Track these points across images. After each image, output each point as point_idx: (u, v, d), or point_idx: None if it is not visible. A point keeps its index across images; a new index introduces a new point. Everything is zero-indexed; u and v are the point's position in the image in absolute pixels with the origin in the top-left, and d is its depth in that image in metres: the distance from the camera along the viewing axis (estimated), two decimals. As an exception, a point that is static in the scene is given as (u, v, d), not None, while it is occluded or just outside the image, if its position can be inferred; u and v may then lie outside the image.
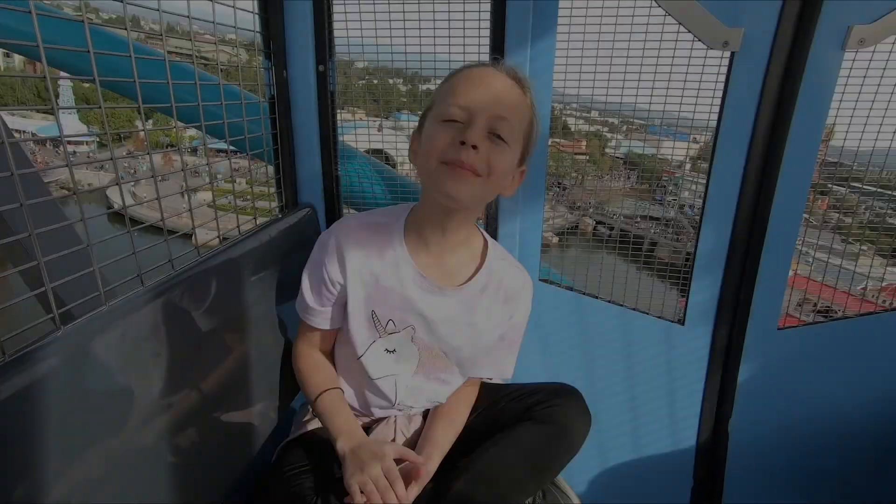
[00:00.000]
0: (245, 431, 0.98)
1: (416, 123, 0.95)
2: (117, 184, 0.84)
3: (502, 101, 0.84)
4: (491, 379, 1.10)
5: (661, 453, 1.53)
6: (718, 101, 1.24)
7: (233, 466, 0.94)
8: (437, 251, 0.95)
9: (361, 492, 0.81)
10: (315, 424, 1.05)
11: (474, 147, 0.81)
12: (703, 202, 1.30)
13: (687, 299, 1.39)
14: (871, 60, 1.16)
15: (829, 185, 1.36)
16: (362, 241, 0.94)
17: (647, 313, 1.41)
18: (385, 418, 1.06)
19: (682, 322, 1.41)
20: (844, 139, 1.26)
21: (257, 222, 1.14)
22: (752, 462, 1.52)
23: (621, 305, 1.41)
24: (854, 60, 1.16)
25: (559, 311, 1.42)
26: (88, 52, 0.67)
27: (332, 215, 1.38)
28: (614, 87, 1.25)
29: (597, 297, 1.42)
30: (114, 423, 0.68)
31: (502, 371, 1.08)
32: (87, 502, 0.63)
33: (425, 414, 1.11)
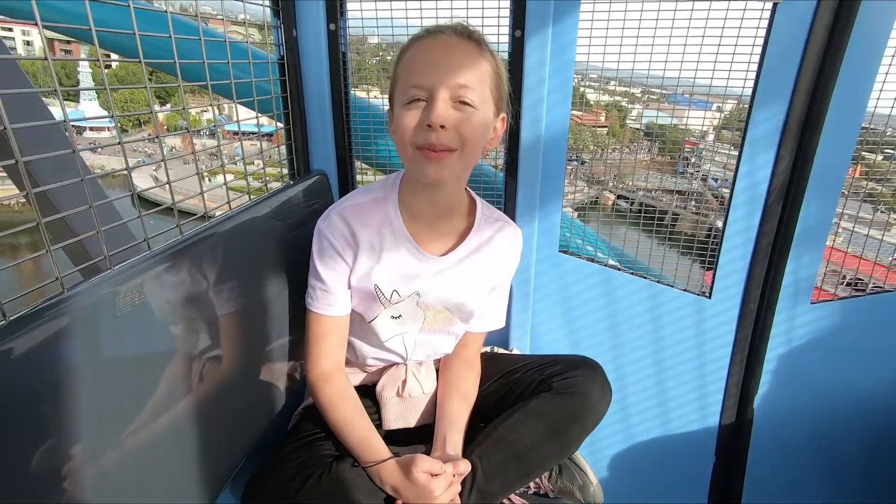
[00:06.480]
0: (260, 397, 0.97)
1: None
2: (126, 169, 0.77)
3: (459, 66, 0.81)
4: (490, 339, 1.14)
5: (685, 430, 1.49)
6: (756, 63, 1.15)
7: (249, 432, 0.93)
8: (429, 220, 0.96)
9: None
10: None
11: (442, 127, 0.79)
12: (736, 168, 1.22)
13: (714, 272, 1.33)
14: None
15: (862, 153, 1.27)
16: (365, 219, 0.94)
17: (673, 286, 1.36)
18: (397, 363, 1.08)
19: (708, 295, 1.35)
20: (876, 103, 1.16)
21: (268, 189, 1.10)
22: (777, 441, 1.47)
23: (646, 278, 1.36)
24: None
25: (581, 283, 1.37)
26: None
27: (346, 183, 1.34)
28: (642, 53, 1.17)
29: (620, 270, 1.37)
30: (118, 388, 0.66)
31: (497, 320, 1.10)
32: (101, 469, 0.61)
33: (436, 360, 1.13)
